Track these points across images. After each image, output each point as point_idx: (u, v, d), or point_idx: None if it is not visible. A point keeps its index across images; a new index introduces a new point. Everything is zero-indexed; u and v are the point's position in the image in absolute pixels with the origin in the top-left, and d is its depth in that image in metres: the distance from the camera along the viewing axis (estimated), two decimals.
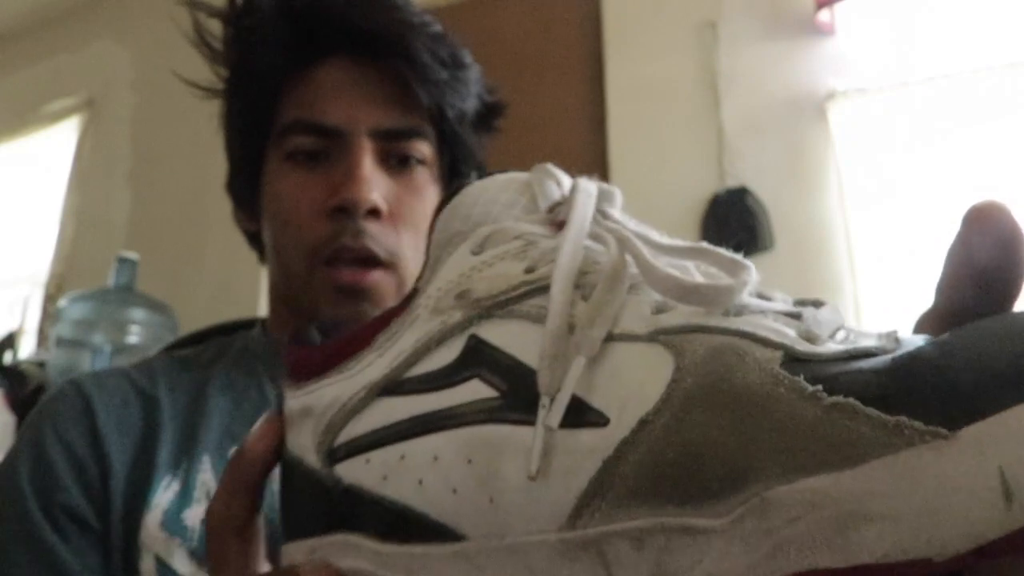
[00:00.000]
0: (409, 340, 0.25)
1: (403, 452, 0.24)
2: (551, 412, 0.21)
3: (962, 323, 0.19)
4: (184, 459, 0.51)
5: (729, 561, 0.19)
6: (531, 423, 0.22)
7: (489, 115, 0.64)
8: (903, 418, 0.18)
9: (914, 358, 0.19)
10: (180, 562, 0.47)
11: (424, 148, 0.58)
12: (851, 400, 0.19)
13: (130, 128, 2.56)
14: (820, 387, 0.19)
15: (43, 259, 2.60)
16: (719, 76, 1.73)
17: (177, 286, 2.06)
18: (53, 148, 2.76)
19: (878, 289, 1.49)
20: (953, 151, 1.50)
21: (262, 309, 1.90)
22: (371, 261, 0.55)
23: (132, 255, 1.87)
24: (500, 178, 0.27)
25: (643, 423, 0.20)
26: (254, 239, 0.64)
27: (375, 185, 0.54)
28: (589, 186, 0.26)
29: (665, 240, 0.24)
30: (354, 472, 0.25)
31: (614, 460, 0.21)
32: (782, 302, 0.23)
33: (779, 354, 0.20)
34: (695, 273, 0.24)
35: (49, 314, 2.32)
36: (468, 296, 0.25)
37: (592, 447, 0.21)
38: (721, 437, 0.20)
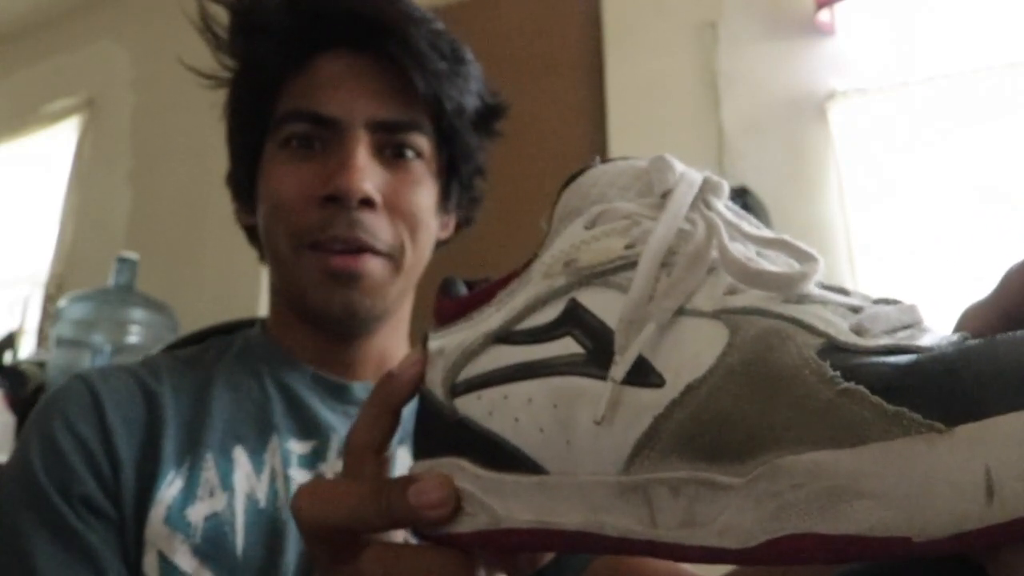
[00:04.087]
0: (522, 298, 0.29)
1: (506, 393, 0.28)
2: (618, 367, 0.25)
3: (1014, 326, 0.21)
4: (188, 456, 0.51)
5: (742, 516, 0.22)
6: (606, 378, 0.25)
7: (490, 116, 0.64)
8: (904, 409, 0.20)
9: (934, 359, 0.20)
10: (182, 558, 0.47)
11: (421, 142, 0.58)
12: (861, 387, 0.21)
13: (130, 128, 2.56)
14: (839, 373, 0.21)
15: (43, 259, 2.60)
16: (719, 76, 1.73)
17: (177, 286, 2.06)
18: (53, 148, 2.76)
19: (878, 289, 1.49)
20: (953, 151, 1.50)
21: (262, 309, 1.90)
22: (364, 248, 0.55)
23: (132, 255, 1.87)
24: (620, 163, 0.30)
25: (690, 388, 0.23)
26: (253, 235, 0.64)
27: (368, 175, 0.54)
28: (694, 176, 0.28)
29: (754, 231, 0.27)
30: (467, 406, 0.30)
31: (663, 417, 0.24)
32: (856, 297, 0.25)
33: (821, 341, 0.22)
34: (776, 262, 0.26)
35: (49, 314, 2.32)
36: (573, 264, 0.28)
37: (648, 404, 0.24)
38: (748, 407, 0.22)
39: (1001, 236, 1.39)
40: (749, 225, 0.27)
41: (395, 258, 0.57)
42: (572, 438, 0.26)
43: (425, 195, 0.59)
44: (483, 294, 0.31)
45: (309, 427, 0.56)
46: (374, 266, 0.56)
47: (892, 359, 0.21)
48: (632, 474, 0.24)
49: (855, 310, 0.24)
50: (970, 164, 1.48)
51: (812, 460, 0.21)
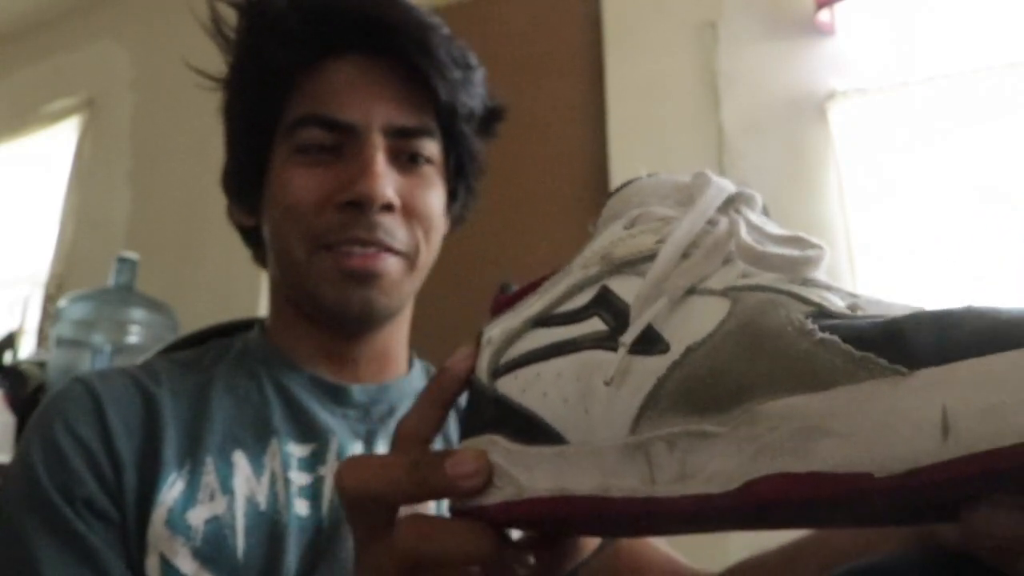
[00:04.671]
0: (561, 287, 0.32)
1: (539, 371, 0.31)
2: (628, 333, 0.27)
3: None
4: (188, 460, 0.51)
5: (726, 461, 0.23)
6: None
7: (491, 119, 0.64)
8: (871, 355, 0.21)
9: (909, 318, 0.22)
10: (183, 561, 0.47)
11: (432, 147, 0.59)
12: (834, 338, 0.23)
13: (130, 128, 2.56)
14: (817, 327, 0.23)
15: (43, 259, 2.60)
16: (719, 76, 1.73)
17: (177, 286, 2.06)
18: (53, 148, 2.76)
19: (878, 289, 1.49)
20: (953, 151, 1.50)
21: (262, 309, 1.90)
22: (386, 250, 0.55)
23: (132, 255, 1.87)
24: (663, 176, 0.33)
25: (689, 350, 0.26)
26: (249, 236, 0.64)
27: (389, 181, 0.55)
28: (728, 185, 0.31)
29: (776, 231, 0.29)
30: (505, 385, 0.32)
31: (664, 379, 0.26)
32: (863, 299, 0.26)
33: (812, 309, 0.24)
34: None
35: (49, 314, 2.32)
36: (609, 257, 0.31)
37: (653, 368, 0.26)
38: (737, 362, 0.24)
39: (1001, 236, 1.39)
40: (773, 227, 0.30)
41: (411, 258, 0.58)
42: (590, 406, 0.28)
43: (437, 198, 0.59)
44: (530, 287, 0.34)
45: (308, 430, 0.56)
46: (392, 265, 0.56)
47: (870, 320, 0.23)
48: (637, 435, 0.26)
49: (855, 296, 0.26)
50: (970, 164, 1.48)
51: (786, 404, 0.22)
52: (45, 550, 0.46)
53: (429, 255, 0.60)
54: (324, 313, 0.58)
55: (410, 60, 0.56)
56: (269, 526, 0.51)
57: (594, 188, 1.74)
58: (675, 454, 0.24)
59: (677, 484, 0.24)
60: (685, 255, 0.28)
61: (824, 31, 1.66)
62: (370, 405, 0.60)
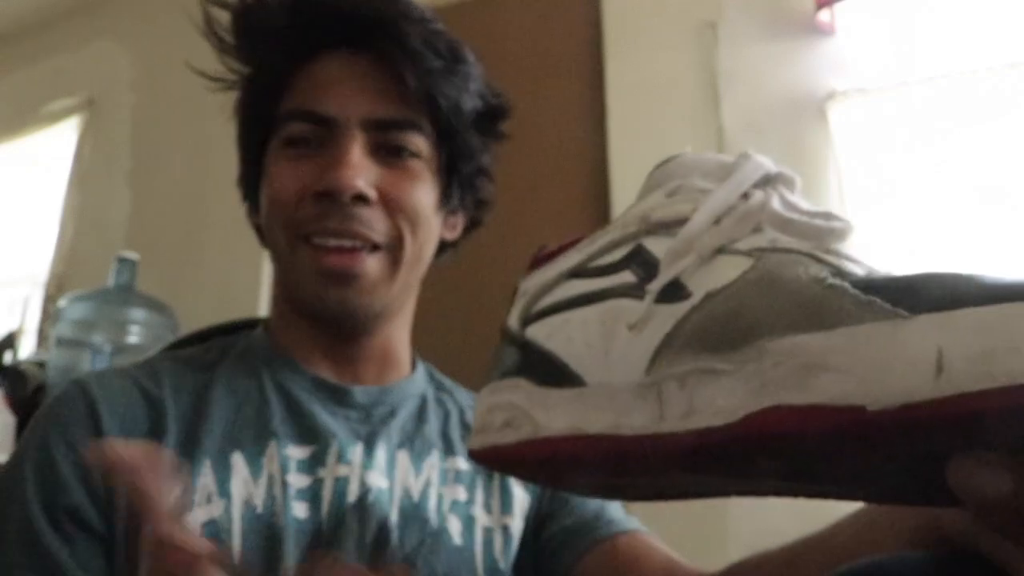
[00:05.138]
0: (599, 243, 0.34)
1: (568, 318, 0.32)
2: (656, 281, 0.29)
3: None
4: (185, 463, 0.51)
5: (731, 396, 0.24)
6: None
7: (492, 117, 0.64)
8: (876, 299, 0.23)
9: (917, 274, 0.24)
10: None
11: (418, 141, 0.58)
12: (844, 283, 0.24)
13: (130, 128, 2.56)
14: (829, 274, 0.25)
15: (43, 259, 2.60)
16: (719, 76, 1.73)
17: (177, 286, 2.06)
18: (53, 148, 2.75)
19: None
20: (953, 151, 1.50)
21: (262, 309, 1.90)
22: (364, 241, 0.55)
23: (132, 255, 1.86)
24: (708, 154, 0.34)
25: (709, 295, 0.27)
26: (263, 235, 0.64)
27: (361, 172, 0.55)
28: (765, 162, 0.32)
29: (809, 207, 0.31)
30: (533, 331, 0.33)
31: (682, 321, 0.27)
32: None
33: (830, 269, 0.25)
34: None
35: (49, 314, 2.32)
36: (647, 219, 0.32)
37: (673, 313, 0.28)
38: (751, 304, 0.25)
39: (1001, 236, 1.39)
40: (804, 204, 0.31)
41: (393, 251, 0.57)
42: (610, 348, 0.29)
43: (424, 191, 0.59)
44: (569, 244, 0.36)
45: (308, 432, 0.56)
46: (371, 265, 0.56)
47: (882, 276, 0.25)
48: (652, 375, 0.27)
49: (874, 269, 0.27)
50: (970, 164, 1.47)
51: (793, 341, 0.23)
52: (15, 559, 0.46)
53: (417, 250, 0.59)
54: (307, 310, 0.58)
55: (382, 50, 0.56)
56: (266, 529, 0.50)
57: (594, 188, 1.74)
58: (685, 391, 0.26)
59: (683, 420, 0.25)
60: (717, 221, 0.30)
61: (824, 31, 1.66)
62: (371, 407, 0.60)
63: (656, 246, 0.31)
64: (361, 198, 0.55)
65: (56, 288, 2.46)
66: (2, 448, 1.60)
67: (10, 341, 1.99)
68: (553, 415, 0.30)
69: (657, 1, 1.85)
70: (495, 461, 0.32)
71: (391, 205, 0.57)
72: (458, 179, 0.63)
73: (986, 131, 1.48)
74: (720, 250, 0.29)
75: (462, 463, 0.61)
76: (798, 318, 0.24)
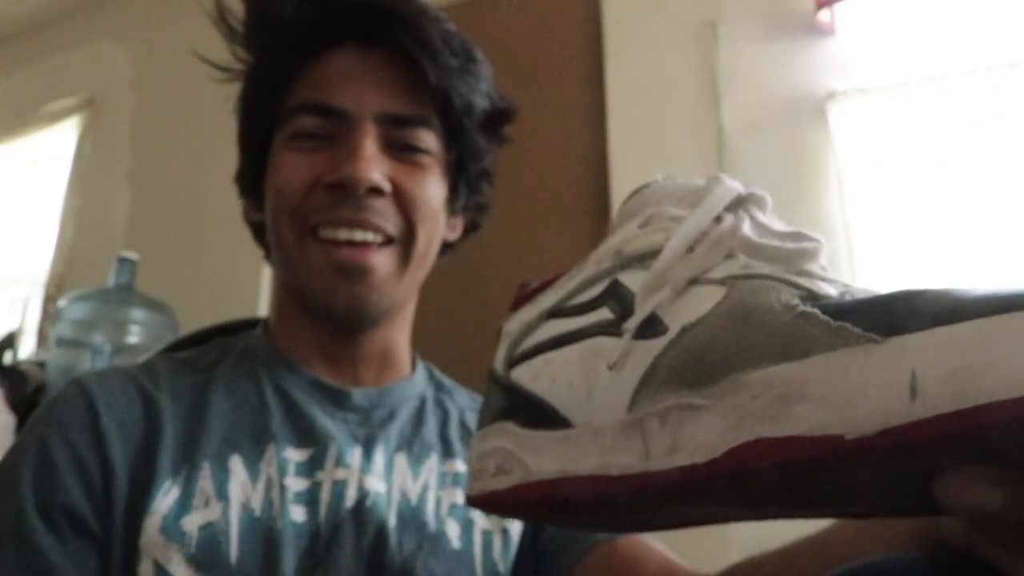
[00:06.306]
0: (575, 280, 0.34)
1: (550, 359, 0.32)
2: (633, 319, 0.29)
3: None
4: (185, 465, 0.51)
5: (711, 431, 0.24)
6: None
7: (498, 119, 0.64)
8: (847, 324, 0.22)
9: (887, 295, 0.24)
10: (178, 567, 0.47)
11: (429, 139, 0.58)
12: (814, 311, 0.24)
13: (130, 128, 2.56)
14: (800, 302, 0.24)
15: (43, 259, 2.60)
16: (719, 76, 1.73)
17: (177, 286, 2.06)
18: (53, 148, 2.75)
19: (878, 289, 1.49)
20: (953, 151, 1.50)
21: (262, 309, 1.90)
22: (377, 232, 0.55)
23: (132, 255, 1.86)
24: (678, 179, 0.35)
25: (685, 329, 0.27)
26: (259, 232, 0.64)
27: (376, 165, 0.54)
28: (735, 186, 0.32)
29: (780, 228, 0.31)
30: (518, 374, 0.33)
31: (660, 357, 0.27)
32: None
33: (802, 293, 0.25)
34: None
35: (49, 314, 2.32)
36: (621, 252, 0.32)
37: (651, 349, 0.28)
38: (725, 336, 0.25)
39: (1001, 236, 1.39)
40: (778, 225, 0.31)
41: (404, 246, 0.57)
42: (592, 387, 0.29)
43: (435, 188, 0.59)
44: (547, 282, 0.36)
45: (307, 435, 0.55)
46: (382, 260, 0.56)
47: (853, 299, 0.24)
48: (633, 412, 0.27)
49: (848, 287, 0.27)
50: (970, 164, 1.47)
51: (769, 372, 0.23)
52: (5, 556, 0.46)
53: (425, 246, 0.59)
54: (314, 307, 0.57)
55: (402, 45, 0.56)
56: (263, 532, 0.50)
57: (594, 188, 1.74)
58: (667, 428, 0.25)
59: (668, 457, 0.25)
60: (690, 249, 0.30)
61: (824, 31, 1.66)
62: (370, 409, 0.60)
63: (631, 280, 0.31)
64: (376, 190, 0.54)
65: (56, 288, 2.46)
66: (2, 448, 1.59)
67: (10, 341, 1.99)
68: (542, 458, 0.30)
69: (657, 1, 1.85)
70: (492, 506, 0.32)
71: (404, 199, 0.56)
72: (465, 179, 0.63)
73: (986, 131, 1.48)
74: (694, 280, 0.29)
75: (460, 465, 0.61)
76: (772, 349, 0.24)
